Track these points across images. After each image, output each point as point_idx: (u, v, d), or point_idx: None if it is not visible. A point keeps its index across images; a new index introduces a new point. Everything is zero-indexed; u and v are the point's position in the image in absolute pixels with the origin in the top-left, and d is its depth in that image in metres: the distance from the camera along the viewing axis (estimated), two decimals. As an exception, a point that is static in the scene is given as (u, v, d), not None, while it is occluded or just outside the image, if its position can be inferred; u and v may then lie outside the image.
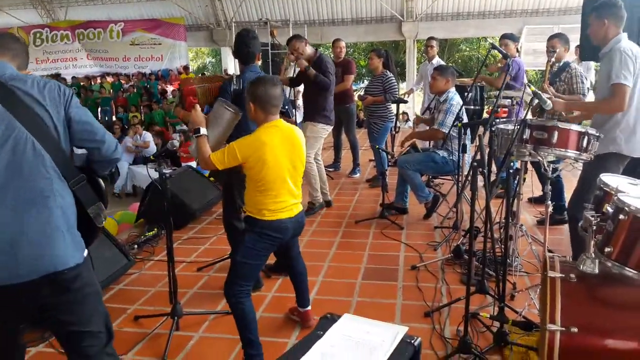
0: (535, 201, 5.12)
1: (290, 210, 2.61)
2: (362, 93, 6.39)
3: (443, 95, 4.52)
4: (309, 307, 2.99)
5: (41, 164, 1.69)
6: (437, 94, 4.69)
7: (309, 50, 4.99)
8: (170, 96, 13.78)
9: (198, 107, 2.81)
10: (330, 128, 5.28)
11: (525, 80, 5.20)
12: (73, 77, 15.49)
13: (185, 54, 15.55)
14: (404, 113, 11.31)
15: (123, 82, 15.15)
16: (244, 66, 3.42)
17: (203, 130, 2.71)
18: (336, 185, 6.32)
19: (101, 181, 1.94)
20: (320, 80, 4.86)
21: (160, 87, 14.41)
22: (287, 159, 2.56)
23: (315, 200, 5.20)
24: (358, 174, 6.78)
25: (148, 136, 10.45)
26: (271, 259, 3.19)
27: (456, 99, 4.46)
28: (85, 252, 1.81)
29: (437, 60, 7.04)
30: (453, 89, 4.54)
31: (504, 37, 5.46)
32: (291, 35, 5.29)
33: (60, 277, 1.69)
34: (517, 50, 5.21)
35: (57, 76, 15.11)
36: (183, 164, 7.48)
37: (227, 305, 3.19)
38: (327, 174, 6.78)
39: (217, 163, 2.53)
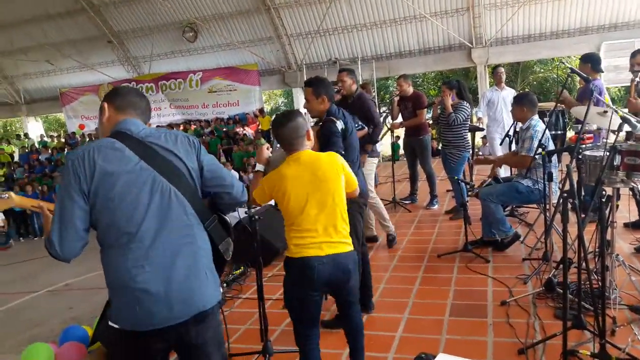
0: (632, 226, 4.81)
1: (318, 248, 2.40)
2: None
3: (525, 123, 4.44)
4: None
5: (183, 211, 1.84)
6: (519, 121, 4.67)
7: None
8: (251, 137, 14.42)
9: (264, 147, 2.91)
10: (377, 160, 5.35)
11: (609, 101, 4.97)
12: (157, 126, 16.52)
13: (260, 97, 16.23)
14: (484, 137, 11.04)
15: (204, 126, 16.01)
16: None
17: (258, 167, 2.83)
18: (414, 218, 6.27)
19: (227, 218, 2.06)
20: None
21: (236, 130, 15.08)
22: (306, 191, 2.41)
23: (390, 230, 5.22)
24: (436, 206, 6.69)
25: (235, 174, 11.26)
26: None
27: (540, 126, 4.34)
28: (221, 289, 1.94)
29: (508, 92, 7.15)
30: (536, 117, 4.42)
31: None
32: (360, 71, 5.45)
33: (205, 315, 1.83)
34: None
35: (143, 125, 16.24)
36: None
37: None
38: (404, 207, 6.78)
39: (257, 198, 2.61)
